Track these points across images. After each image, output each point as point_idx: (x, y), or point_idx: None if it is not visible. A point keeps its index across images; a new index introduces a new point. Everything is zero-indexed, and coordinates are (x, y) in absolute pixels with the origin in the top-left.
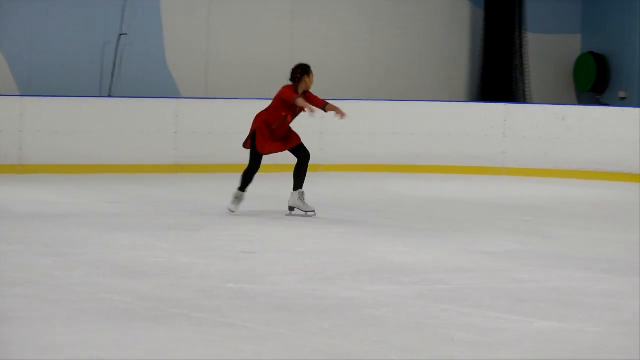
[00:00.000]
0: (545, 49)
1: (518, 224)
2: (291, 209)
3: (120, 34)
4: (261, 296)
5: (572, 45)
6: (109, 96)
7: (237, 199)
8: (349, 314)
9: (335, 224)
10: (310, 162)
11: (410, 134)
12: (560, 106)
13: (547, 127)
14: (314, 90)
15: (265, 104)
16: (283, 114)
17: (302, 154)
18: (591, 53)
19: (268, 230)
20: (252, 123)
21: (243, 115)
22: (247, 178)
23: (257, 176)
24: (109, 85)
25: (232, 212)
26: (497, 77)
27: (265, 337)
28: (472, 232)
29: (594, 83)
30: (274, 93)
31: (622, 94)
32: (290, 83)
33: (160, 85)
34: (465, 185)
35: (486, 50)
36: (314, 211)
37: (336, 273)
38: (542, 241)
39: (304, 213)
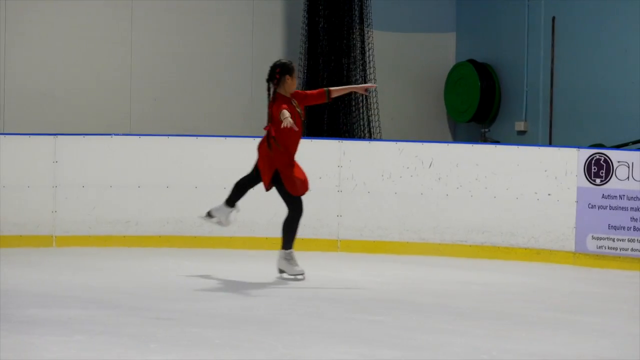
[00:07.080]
0: (401, 54)
1: (364, 326)
2: (281, 271)
3: None
4: None
5: (442, 51)
6: None
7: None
8: None
9: (78, 327)
10: (43, 233)
11: (194, 187)
12: (425, 144)
13: (404, 176)
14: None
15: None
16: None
17: (290, 204)
18: (472, 62)
19: None
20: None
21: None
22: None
23: None
24: None
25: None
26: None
27: None
28: (291, 339)
29: (477, 109)
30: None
31: (520, 126)
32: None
33: None
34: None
35: (310, 57)
36: (302, 274)
37: None
38: (403, 353)
39: (292, 277)
